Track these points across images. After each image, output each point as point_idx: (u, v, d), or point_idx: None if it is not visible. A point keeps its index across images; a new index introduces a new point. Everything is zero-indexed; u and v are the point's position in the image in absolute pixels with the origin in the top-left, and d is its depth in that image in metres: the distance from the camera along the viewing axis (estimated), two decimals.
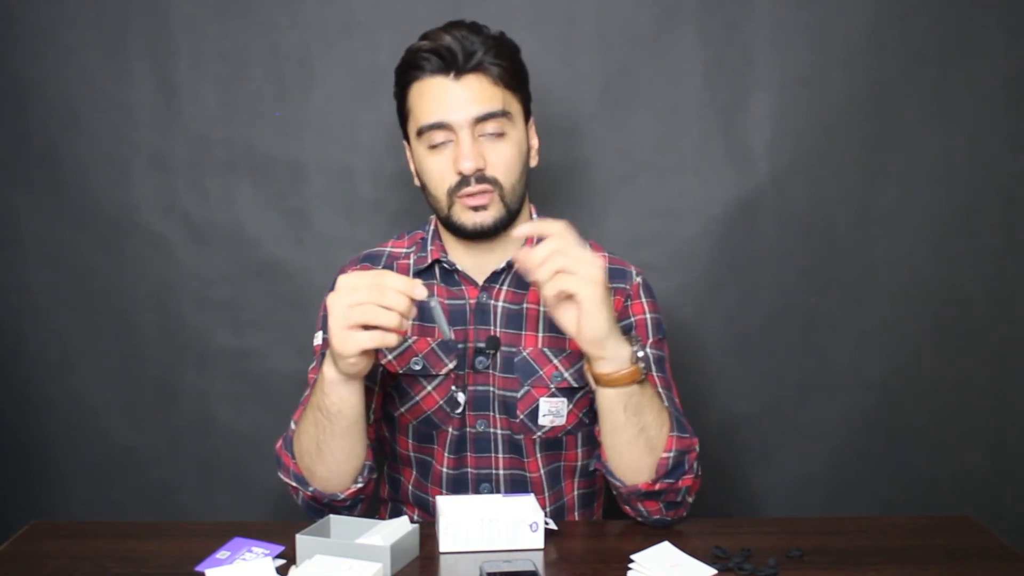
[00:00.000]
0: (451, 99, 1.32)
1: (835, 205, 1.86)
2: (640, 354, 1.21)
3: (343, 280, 1.15)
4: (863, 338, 1.89)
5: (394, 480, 1.49)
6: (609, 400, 1.22)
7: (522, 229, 1.24)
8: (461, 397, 1.37)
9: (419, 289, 1.13)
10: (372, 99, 1.83)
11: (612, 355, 1.20)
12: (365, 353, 1.15)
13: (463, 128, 1.32)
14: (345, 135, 1.84)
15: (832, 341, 1.89)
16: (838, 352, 1.89)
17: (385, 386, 1.42)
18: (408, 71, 1.37)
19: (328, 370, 1.19)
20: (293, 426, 1.30)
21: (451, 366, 1.38)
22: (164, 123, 1.83)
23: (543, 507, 1.41)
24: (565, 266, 1.15)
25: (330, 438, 1.23)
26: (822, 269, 1.87)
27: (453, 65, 1.32)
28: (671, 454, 1.24)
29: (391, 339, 1.13)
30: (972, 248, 1.87)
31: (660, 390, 1.35)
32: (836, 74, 1.82)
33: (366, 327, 1.12)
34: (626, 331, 1.38)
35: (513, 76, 1.36)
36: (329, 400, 1.21)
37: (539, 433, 1.40)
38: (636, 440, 1.23)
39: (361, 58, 1.82)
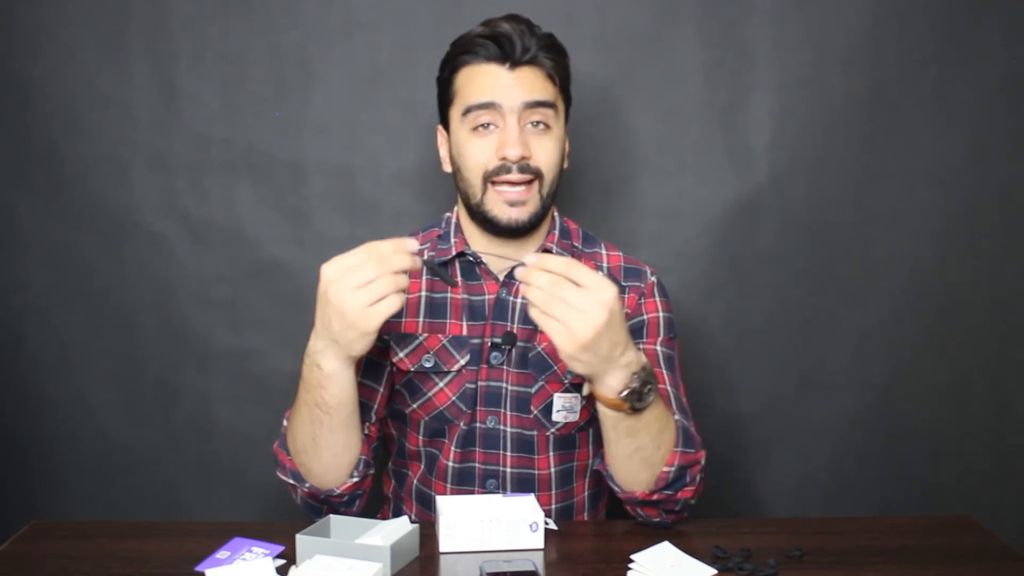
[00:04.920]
0: (503, 84, 1.33)
1: (835, 205, 1.86)
2: (634, 386, 1.15)
3: (332, 269, 1.13)
4: (863, 338, 1.89)
5: (400, 475, 1.49)
6: (602, 414, 1.22)
7: (521, 271, 1.14)
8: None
9: (409, 242, 1.13)
10: (372, 99, 1.83)
11: (598, 385, 1.17)
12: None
13: (512, 113, 1.32)
14: (345, 135, 1.84)
15: (832, 341, 1.89)
16: (838, 352, 1.89)
17: (392, 383, 1.42)
18: (460, 55, 1.36)
19: (328, 363, 1.18)
20: (286, 423, 1.30)
21: (463, 362, 1.38)
22: (164, 123, 1.83)
23: (548, 506, 1.42)
24: (548, 310, 1.11)
25: (329, 432, 1.23)
26: (822, 269, 1.87)
27: (510, 55, 1.33)
28: (672, 468, 1.23)
29: (402, 300, 1.13)
30: (972, 248, 1.87)
31: (668, 388, 1.35)
32: (836, 74, 1.82)
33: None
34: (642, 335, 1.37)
35: (563, 76, 1.38)
36: (329, 393, 1.20)
37: (553, 430, 1.40)
38: (631, 457, 1.23)
39: (361, 58, 1.82)
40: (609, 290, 1.11)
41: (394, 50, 1.82)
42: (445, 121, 1.41)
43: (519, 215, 1.34)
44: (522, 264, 1.14)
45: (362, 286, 1.11)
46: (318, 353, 1.19)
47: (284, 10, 1.81)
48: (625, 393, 1.16)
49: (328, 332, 1.16)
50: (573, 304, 1.10)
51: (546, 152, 1.34)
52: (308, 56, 1.82)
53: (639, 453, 1.22)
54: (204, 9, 1.81)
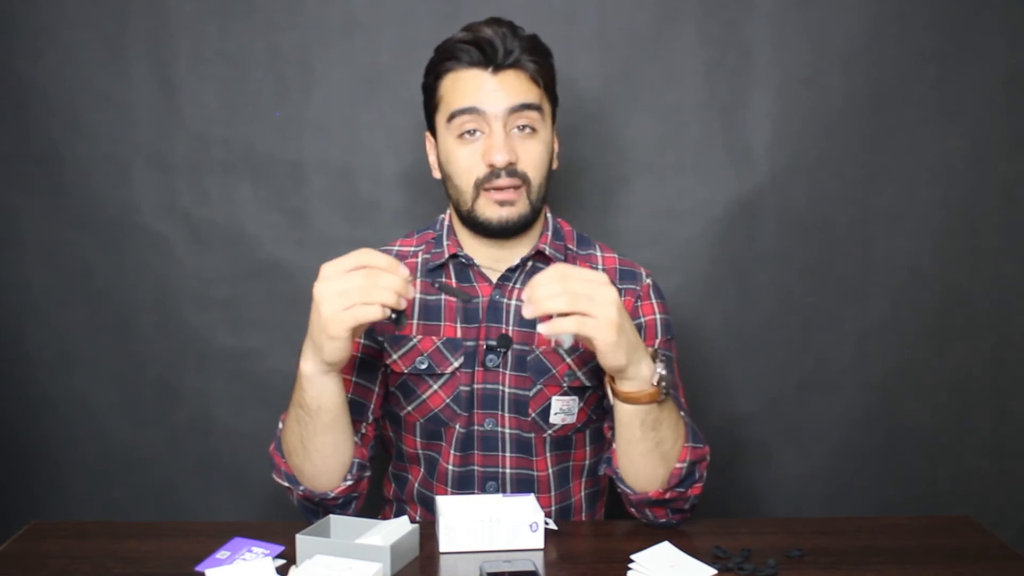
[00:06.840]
0: (487, 90, 1.32)
1: (835, 205, 1.86)
2: (662, 372, 1.19)
3: (329, 268, 1.14)
4: (863, 338, 1.88)
5: (401, 479, 1.48)
6: (627, 415, 1.21)
7: (528, 310, 1.14)
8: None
9: (401, 268, 1.13)
10: (372, 99, 1.83)
11: (634, 376, 1.18)
12: (352, 335, 1.15)
13: (497, 119, 1.32)
14: (345, 135, 1.84)
15: (832, 341, 1.89)
16: (838, 352, 1.89)
17: (388, 385, 1.42)
18: (444, 61, 1.35)
19: (306, 365, 1.19)
20: (281, 425, 1.30)
21: (456, 364, 1.38)
22: (164, 123, 1.83)
23: (548, 507, 1.42)
24: (577, 308, 1.11)
25: (314, 434, 1.23)
26: (822, 269, 1.87)
27: (492, 59, 1.32)
28: (684, 464, 1.24)
29: (374, 313, 1.12)
30: (972, 248, 1.87)
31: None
32: (836, 74, 1.82)
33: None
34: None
35: (547, 77, 1.37)
36: (309, 395, 1.21)
37: (550, 432, 1.40)
38: (651, 453, 1.23)
39: (361, 58, 1.82)
40: (597, 273, 1.15)
41: (394, 50, 1.82)
42: (432, 127, 1.41)
43: (509, 214, 1.34)
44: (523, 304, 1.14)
45: (343, 291, 1.12)
46: (303, 353, 1.20)
47: (284, 10, 1.81)
48: (658, 378, 1.18)
49: (311, 331, 1.17)
50: (586, 292, 1.12)
51: (532, 156, 1.34)
52: (308, 56, 1.82)
53: (659, 448, 1.22)
54: (204, 9, 1.81)
